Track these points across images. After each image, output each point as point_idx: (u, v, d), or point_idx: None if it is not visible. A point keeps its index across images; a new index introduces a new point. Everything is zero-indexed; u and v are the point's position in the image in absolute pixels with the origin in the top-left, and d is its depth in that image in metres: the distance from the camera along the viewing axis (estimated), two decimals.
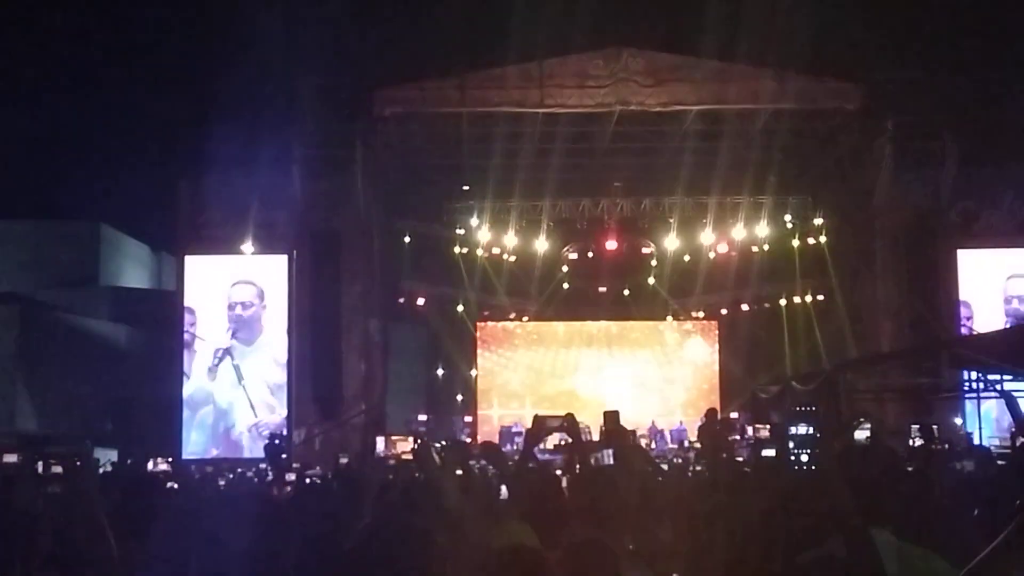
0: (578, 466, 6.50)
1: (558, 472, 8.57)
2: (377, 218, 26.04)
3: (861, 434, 17.38)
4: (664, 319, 31.56)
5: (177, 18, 22.94)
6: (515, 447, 21.91)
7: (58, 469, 4.74)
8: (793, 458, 2.89)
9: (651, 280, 30.61)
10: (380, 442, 21.25)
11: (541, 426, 7.12)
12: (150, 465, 10.68)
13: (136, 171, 27.40)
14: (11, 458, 7.92)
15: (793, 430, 2.99)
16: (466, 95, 23.46)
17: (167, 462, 12.15)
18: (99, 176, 27.85)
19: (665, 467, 10.28)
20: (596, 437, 23.13)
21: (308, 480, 10.38)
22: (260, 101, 23.19)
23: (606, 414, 6.71)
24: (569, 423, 6.28)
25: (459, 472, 6.43)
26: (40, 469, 5.11)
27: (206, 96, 23.02)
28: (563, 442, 6.96)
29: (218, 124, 22.71)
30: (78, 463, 4.58)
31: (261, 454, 21.81)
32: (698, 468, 11.71)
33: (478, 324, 30.96)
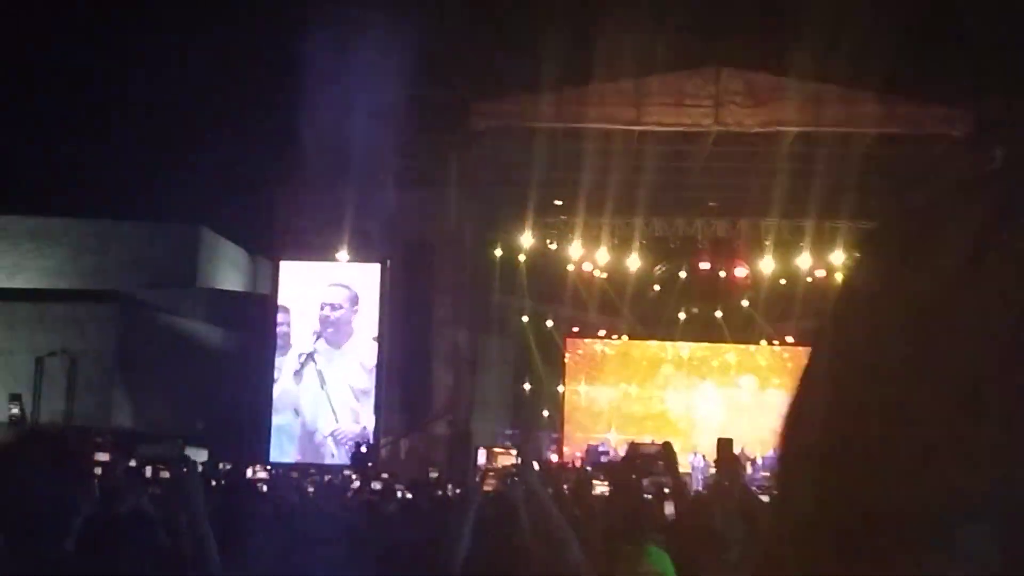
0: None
1: (648, 496, 8.48)
2: (469, 230, 26.14)
3: None
4: (758, 343, 30.93)
5: (279, 28, 23.35)
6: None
7: (165, 474, 4.81)
8: None
9: (745, 303, 30.08)
10: (481, 455, 20.87)
11: (636, 453, 7.06)
12: (248, 472, 10.80)
13: (236, 177, 27.97)
14: (103, 456, 8.09)
15: None
16: (562, 110, 23.43)
17: (265, 470, 12.27)
18: (201, 180, 28.49)
19: (765, 499, 10.05)
20: (698, 462, 22.59)
21: (400, 493, 10.40)
22: (357, 111, 23.45)
23: (720, 441, 6.64)
24: (667, 452, 6.21)
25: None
26: (148, 473, 5.18)
27: (306, 105, 23.37)
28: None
29: (316, 133, 23.05)
30: (185, 470, 4.63)
31: (342, 460, 22.01)
32: None
33: (567, 340, 30.75)
